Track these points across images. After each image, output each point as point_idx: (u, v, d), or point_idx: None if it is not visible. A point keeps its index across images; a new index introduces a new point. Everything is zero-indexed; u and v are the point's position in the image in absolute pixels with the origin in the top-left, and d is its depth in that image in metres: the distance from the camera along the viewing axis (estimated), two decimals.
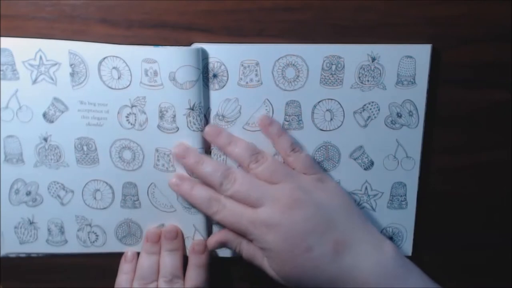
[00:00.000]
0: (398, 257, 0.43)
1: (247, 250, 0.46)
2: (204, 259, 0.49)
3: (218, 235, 0.47)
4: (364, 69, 0.46)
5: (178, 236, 0.50)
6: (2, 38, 0.45)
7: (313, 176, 0.46)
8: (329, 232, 0.43)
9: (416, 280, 0.42)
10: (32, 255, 0.51)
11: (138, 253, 0.51)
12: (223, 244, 0.47)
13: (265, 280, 0.45)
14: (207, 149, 0.47)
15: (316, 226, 0.43)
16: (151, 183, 0.49)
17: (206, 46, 0.45)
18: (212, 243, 0.48)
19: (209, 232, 0.50)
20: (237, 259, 0.49)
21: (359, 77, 0.47)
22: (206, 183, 0.46)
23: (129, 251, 0.51)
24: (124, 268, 0.50)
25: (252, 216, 0.44)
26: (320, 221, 0.43)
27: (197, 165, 0.46)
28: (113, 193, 0.49)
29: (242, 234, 0.45)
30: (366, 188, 0.49)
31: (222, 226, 0.50)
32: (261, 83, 0.46)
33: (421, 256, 0.52)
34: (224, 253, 0.51)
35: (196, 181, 0.47)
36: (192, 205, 0.48)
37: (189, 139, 0.46)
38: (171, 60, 0.44)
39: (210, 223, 0.50)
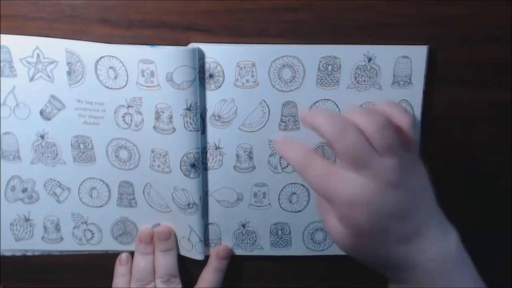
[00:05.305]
0: (459, 248, 0.39)
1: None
2: (225, 264, 0.51)
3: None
4: (360, 70, 0.46)
5: (171, 236, 0.50)
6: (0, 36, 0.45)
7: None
8: (409, 218, 0.38)
9: (470, 277, 0.39)
10: (28, 252, 0.52)
11: (132, 254, 0.51)
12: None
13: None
14: (202, 149, 0.47)
15: (400, 210, 0.38)
16: (147, 183, 0.49)
17: (203, 46, 0.45)
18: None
19: (205, 233, 0.50)
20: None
21: (355, 78, 0.46)
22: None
23: (123, 253, 0.51)
24: (120, 271, 0.51)
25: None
26: (406, 206, 0.38)
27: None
28: (109, 191, 0.50)
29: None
30: None
31: (217, 227, 0.50)
32: (258, 84, 0.46)
33: None
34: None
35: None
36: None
37: (185, 140, 0.46)
38: (168, 60, 0.44)
39: (205, 223, 0.50)
